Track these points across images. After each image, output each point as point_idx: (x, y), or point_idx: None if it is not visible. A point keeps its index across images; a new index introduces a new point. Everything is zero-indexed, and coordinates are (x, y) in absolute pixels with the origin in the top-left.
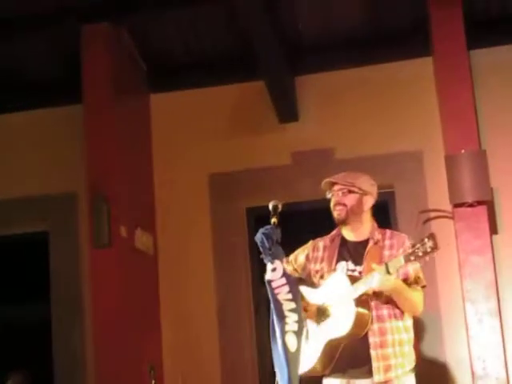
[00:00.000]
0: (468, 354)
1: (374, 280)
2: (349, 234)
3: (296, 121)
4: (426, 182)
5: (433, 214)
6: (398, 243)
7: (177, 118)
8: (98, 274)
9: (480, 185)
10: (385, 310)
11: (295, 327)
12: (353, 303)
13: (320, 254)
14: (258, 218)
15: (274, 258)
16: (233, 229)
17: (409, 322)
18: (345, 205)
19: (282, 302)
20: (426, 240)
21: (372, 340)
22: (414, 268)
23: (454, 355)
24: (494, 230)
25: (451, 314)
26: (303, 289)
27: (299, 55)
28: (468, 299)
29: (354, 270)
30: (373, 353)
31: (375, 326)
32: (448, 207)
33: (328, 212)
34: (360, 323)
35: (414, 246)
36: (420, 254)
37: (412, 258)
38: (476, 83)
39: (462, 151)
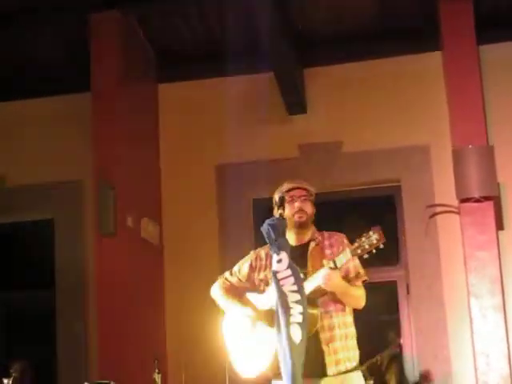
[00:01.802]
0: (472, 348)
1: (321, 275)
2: (292, 239)
3: (304, 113)
4: (433, 177)
5: (439, 209)
6: (336, 242)
7: (184, 107)
8: (103, 263)
9: (487, 180)
10: (331, 306)
11: (300, 319)
12: None
13: (263, 262)
14: (265, 209)
15: (279, 249)
16: (239, 220)
17: (351, 318)
18: (306, 212)
19: (287, 293)
20: (371, 233)
21: (323, 336)
22: (353, 264)
23: (458, 350)
24: (499, 225)
25: (455, 309)
26: (250, 295)
27: (309, 47)
28: (472, 294)
29: (302, 278)
30: (325, 348)
31: (325, 323)
32: (454, 202)
33: (333, 205)
34: (311, 321)
35: (359, 239)
36: (366, 246)
37: (359, 251)
38: (485, 78)
39: (470, 146)
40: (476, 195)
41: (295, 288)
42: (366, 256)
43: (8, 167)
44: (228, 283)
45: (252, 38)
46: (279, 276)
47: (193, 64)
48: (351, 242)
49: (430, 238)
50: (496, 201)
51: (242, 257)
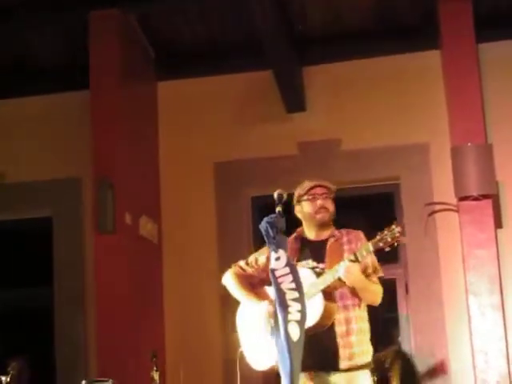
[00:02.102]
0: (470, 346)
1: (342, 268)
2: (312, 234)
3: (303, 111)
4: (432, 175)
5: (438, 207)
6: (355, 238)
7: (184, 105)
8: (101, 261)
9: (485, 178)
10: (349, 300)
11: (298, 316)
12: (321, 295)
13: None
14: (263, 207)
15: (277, 247)
16: (238, 217)
17: (365, 313)
18: (328, 209)
19: (286, 291)
20: (394, 226)
21: (339, 329)
22: (371, 260)
23: (457, 348)
24: (498, 223)
25: (454, 307)
26: (267, 288)
27: (308, 45)
28: (471, 292)
29: (316, 267)
30: (340, 341)
31: (342, 316)
32: (453, 200)
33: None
34: (327, 314)
35: (381, 233)
36: (389, 239)
37: (381, 244)
38: (484, 77)
39: (468, 144)
40: (475, 193)
41: (293, 286)
42: (387, 249)
43: (7, 164)
44: (242, 272)
45: (251, 36)
46: (277, 274)
47: (192, 62)
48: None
49: (428, 237)
50: (495, 199)
51: (241, 254)
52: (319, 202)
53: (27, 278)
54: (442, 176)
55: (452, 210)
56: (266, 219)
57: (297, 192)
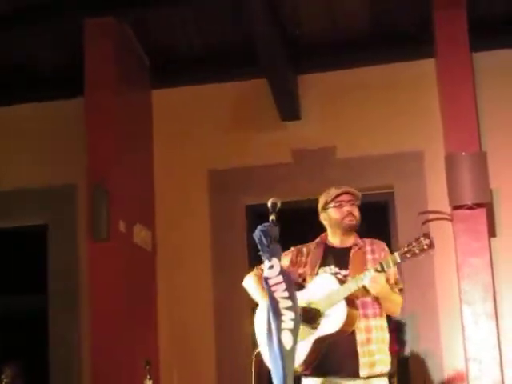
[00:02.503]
0: (464, 354)
1: (367, 277)
2: (336, 241)
3: (298, 119)
4: (426, 183)
5: (432, 216)
6: (378, 248)
7: (178, 113)
8: (95, 268)
9: (480, 187)
10: (370, 310)
11: (291, 325)
12: (344, 302)
13: (303, 258)
14: (258, 215)
15: (271, 255)
16: (232, 226)
17: (386, 323)
18: (355, 215)
19: (279, 299)
20: (422, 239)
21: (359, 337)
22: (393, 271)
23: (450, 355)
24: (492, 232)
25: (448, 315)
26: None
27: (302, 54)
28: (465, 301)
29: (338, 273)
30: (360, 349)
31: (362, 324)
32: (447, 209)
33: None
34: (350, 321)
35: (409, 244)
36: (416, 251)
37: (408, 255)
38: (478, 85)
39: (463, 153)
40: (469, 202)
41: (286, 294)
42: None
43: (2, 171)
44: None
45: (246, 44)
46: (270, 282)
47: (187, 70)
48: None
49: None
50: (489, 208)
51: (235, 263)
52: (346, 209)
53: (22, 284)
54: (436, 184)
55: (446, 218)
56: (259, 228)
57: (323, 199)
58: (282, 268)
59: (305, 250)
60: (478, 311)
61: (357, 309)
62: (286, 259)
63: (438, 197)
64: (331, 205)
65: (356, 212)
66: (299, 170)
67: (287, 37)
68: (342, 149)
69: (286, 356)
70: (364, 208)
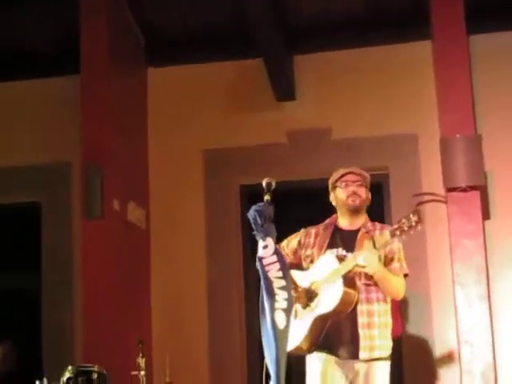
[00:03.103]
0: (456, 337)
1: (360, 255)
2: (345, 222)
3: (293, 100)
4: (421, 165)
5: (426, 198)
6: None
7: (173, 92)
8: (89, 246)
9: (474, 170)
10: (373, 294)
11: (284, 305)
12: (341, 280)
13: (312, 240)
14: (252, 195)
15: (265, 235)
16: (226, 205)
17: (389, 307)
18: (360, 196)
19: (273, 279)
20: (411, 215)
21: (360, 320)
22: (398, 256)
23: (442, 338)
24: (486, 215)
25: (441, 298)
26: (294, 272)
27: (298, 34)
28: (458, 283)
29: (344, 256)
30: (361, 332)
31: (364, 308)
32: (441, 191)
33: (321, 192)
34: (347, 300)
35: (399, 221)
36: (405, 228)
37: (398, 232)
38: (474, 68)
39: (457, 135)
40: (463, 184)
41: (280, 274)
42: (403, 237)
43: None
44: None
45: (242, 24)
46: (265, 262)
47: (182, 49)
48: None
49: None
50: (483, 190)
51: (229, 242)
52: (351, 189)
53: (15, 262)
54: (430, 166)
55: (440, 200)
56: (254, 207)
57: (331, 179)
58: (276, 248)
59: (313, 231)
60: (470, 294)
61: (355, 289)
62: (294, 240)
63: (432, 179)
64: (337, 184)
65: (362, 192)
66: (294, 150)
67: (283, 17)
68: (336, 130)
69: (280, 336)
70: None
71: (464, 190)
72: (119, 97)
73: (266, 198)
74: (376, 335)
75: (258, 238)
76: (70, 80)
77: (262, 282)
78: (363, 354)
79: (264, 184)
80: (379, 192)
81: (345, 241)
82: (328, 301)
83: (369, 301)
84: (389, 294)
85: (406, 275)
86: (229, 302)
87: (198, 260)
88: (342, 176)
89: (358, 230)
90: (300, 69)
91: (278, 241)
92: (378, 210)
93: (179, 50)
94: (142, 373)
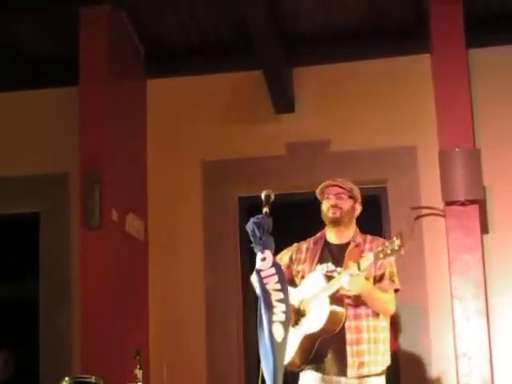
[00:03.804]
0: (454, 351)
1: (344, 278)
2: (332, 236)
3: (292, 112)
4: (420, 178)
5: (424, 211)
6: (377, 246)
7: (172, 104)
8: (87, 257)
9: (473, 184)
10: (362, 310)
11: (282, 317)
12: (327, 300)
13: (303, 255)
14: (250, 207)
15: (264, 247)
16: (224, 217)
17: (385, 323)
18: (341, 208)
19: (271, 291)
20: (395, 238)
21: (349, 337)
22: (389, 271)
23: (440, 352)
24: (484, 229)
25: (439, 311)
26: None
27: (298, 46)
28: (456, 297)
29: (333, 271)
30: (348, 348)
31: (352, 324)
32: (440, 204)
33: (320, 204)
34: (334, 320)
35: (383, 244)
36: (388, 251)
37: (381, 255)
38: (473, 81)
39: (457, 149)
40: (462, 198)
41: (279, 286)
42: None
43: None
44: None
45: (242, 35)
46: (263, 274)
47: (182, 60)
48: None
49: (414, 240)
50: (481, 204)
51: (227, 254)
52: (332, 202)
53: (14, 272)
54: (429, 180)
55: (438, 214)
56: (252, 219)
57: (316, 192)
58: (274, 260)
59: (304, 246)
60: (469, 308)
61: (344, 307)
62: (287, 255)
63: (430, 192)
64: (321, 197)
65: (343, 204)
66: (293, 162)
67: (283, 29)
68: (335, 142)
69: (277, 348)
70: None
71: (463, 203)
72: (118, 107)
73: (265, 210)
74: (365, 351)
75: (256, 250)
76: (69, 90)
77: (260, 295)
78: (351, 372)
79: (263, 196)
80: (377, 205)
81: (334, 255)
82: (316, 320)
83: (357, 317)
84: (378, 312)
85: (396, 290)
86: (227, 314)
87: (196, 271)
88: (325, 188)
89: (347, 244)
90: (299, 81)
91: (276, 253)
92: (376, 223)
93: (179, 61)
94: None
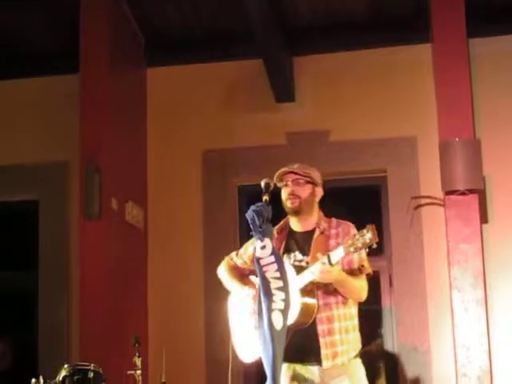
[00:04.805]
0: (452, 341)
1: (315, 271)
2: (296, 224)
3: (292, 101)
4: (419, 168)
5: (424, 201)
6: (343, 232)
7: (173, 92)
8: (86, 245)
9: (472, 174)
10: (332, 298)
11: (282, 305)
12: (298, 293)
13: None
14: (250, 195)
15: (263, 235)
16: (224, 206)
17: (353, 310)
18: (299, 196)
19: (270, 279)
20: (365, 231)
21: (320, 328)
22: (359, 257)
23: (439, 342)
24: (484, 219)
25: (437, 301)
26: (253, 278)
27: (298, 36)
28: (455, 287)
29: (301, 261)
30: (321, 340)
31: (323, 315)
32: (440, 194)
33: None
34: (306, 312)
35: (354, 236)
36: (359, 245)
37: (352, 249)
38: (474, 72)
39: (456, 139)
40: (461, 188)
41: (278, 275)
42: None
43: None
44: (233, 263)
45: (242, 24)
46: (262, 262)
47: (182, 49)
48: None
49: (414, 230)
50: (481, 194)
51: (227, 243)
52: (289, 189)
53: (12, 260)
54: (429, 170)
55: (438, 204)
56: (252, 208)
57: (274, 179)
58: (273, 248)
59: None
60: (467, 298)
61: (315, 298)
62: (251, 247)
63: (430, 182)
64: (280, 185)
65: (301, 192)
66: (292, 151)
67: (284, 18)
68: (335, 132)
69: (276, 336)
70: (357, 191)
71: (462, 193)
72: (118, 96)
73: (265, 198)
74: (337, 341)
75: (256, 238)
76: (69, 79)
77: (259, 283)
78: (325, 363)
79: (262, 184)
80: (377, 194)
81: (300, 244)
82: None
83: (328, 306)
84: (350, 298)
85: (368, 274)
86: (226, 302)
87: (196, 260)
88: (283, 175)
89: (312, 231)
90: (299, 70)
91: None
92: (375, 213)
93: (179, 50)
94: (138, 372)
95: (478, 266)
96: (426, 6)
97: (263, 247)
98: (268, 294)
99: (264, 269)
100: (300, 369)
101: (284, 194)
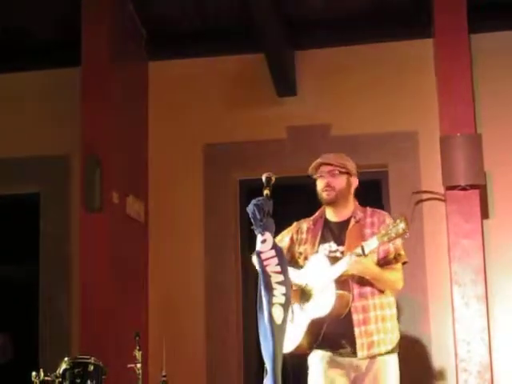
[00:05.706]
0: (453, 336)
1: (349, 262)
2: (332, 214)
3: (294, 95)
4: (420, 163)
5: (425, 196)
6: (378, 221)
7: (174, 86)
8: (87, 239)
9: (474, 169)
10: (368, 288)
11: (282, 300)
12: (333, 284)
13: (304, 235)
14: (251, 190)
15: (264, 229)
16: (225, 200)
17: (391, 299)
18: (334, 187)
19: (271, 274)
20: (398, 221)
21: (355, 317)
22: (394, 246)
23: (439, 337)
24: (485, 214)
25: (438, 296)
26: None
27: (300, 30)
28: (455, 282)
29: (336, 251)
30: (356, 330)
31: (358, 304)
32: (441, 189)
33: None
34: (341, 304)
35: (387, 226)
36: (393, 235)
37: (385, 239)
38: (475, 67)
39: (458, 134)
40: (462, 183)
41: (279, 269)
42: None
43: None
44: None
45: (244, 18)
46: (263, 256)
47: (184, 43)
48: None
49: (415, 225)
50: (482, 189)
51: (228, 236)
52: (325, 181)
53: (13, 253)
54: (430, 165)
55: (439, 199)
56: (253, 202)
57: (309, 172)
58: (274, 242)
59: (305, 226)
60: (468, 293)
61: (349, 290)
62: (287, 237)
63: (431, 177)
64: (315, 176)
65: (337, 183)
66: (293, 146)
67: (286, 12)
68: (336, 126)
69: (277, 331)
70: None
71: (463, 188)
72: (120, 89)
73: (266, 192)
74: (373, 330)
75: (256, 232)
76: (71, 72)
77: (259, 277)
78: (360, 353)
79: (263, 179)
80: (378, 189)
81: (335, 234)
82: (322, 305)
83: (362, 296)
84: (385, 290)
85: (404, 263)
86: (226, 296)
87: (196, 254)
88: (318, 167)
89: (347, 221)
90: (301, 64)
91: (276, 235)
92: (376, 207)
93: (180, 43)
94: (139, 365)
95: (478, 261)
96: (427, 1)
97: (264, 241)
98: (269, 288)
99: (265, 263)
100: (336, 358)
101: (319, 186)
